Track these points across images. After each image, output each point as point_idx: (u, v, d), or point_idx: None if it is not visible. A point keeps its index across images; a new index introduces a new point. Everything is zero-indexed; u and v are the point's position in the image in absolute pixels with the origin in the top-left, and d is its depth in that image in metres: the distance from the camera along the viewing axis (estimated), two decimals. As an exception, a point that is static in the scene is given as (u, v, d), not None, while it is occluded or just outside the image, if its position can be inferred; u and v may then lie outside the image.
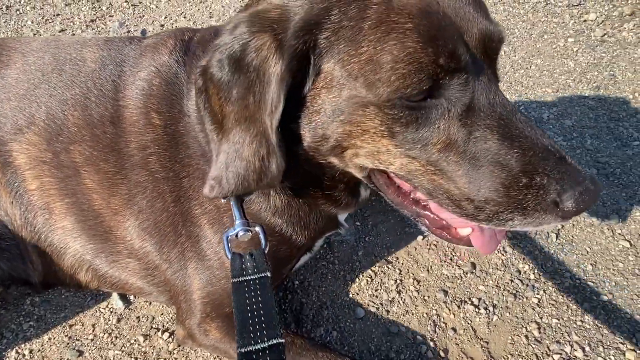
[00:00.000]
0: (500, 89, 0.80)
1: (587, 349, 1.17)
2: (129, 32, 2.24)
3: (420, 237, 1.45)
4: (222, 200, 0.93)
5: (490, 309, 1.26)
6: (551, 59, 2.14)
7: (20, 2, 2.35)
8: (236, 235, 0.87)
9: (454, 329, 1.22)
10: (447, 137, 0.75)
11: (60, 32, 2.21)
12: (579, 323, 1.22)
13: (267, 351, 0.71)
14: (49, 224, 1.14)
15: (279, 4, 0.77)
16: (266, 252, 0.86)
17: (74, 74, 1.14)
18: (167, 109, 1.05)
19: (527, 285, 1.31)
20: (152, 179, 1.04)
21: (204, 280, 1.05)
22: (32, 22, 2.25)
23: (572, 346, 1.17)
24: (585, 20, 2.39)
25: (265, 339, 0.72)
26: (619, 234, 1.45)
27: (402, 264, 1.39)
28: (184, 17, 2.36)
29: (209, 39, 1.07)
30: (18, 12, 2.30)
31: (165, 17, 2.35)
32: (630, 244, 1.42)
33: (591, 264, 1.37)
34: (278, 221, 1.04)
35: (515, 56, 2.17)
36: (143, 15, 2.34)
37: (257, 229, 0.88)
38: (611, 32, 2.31)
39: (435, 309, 1.26)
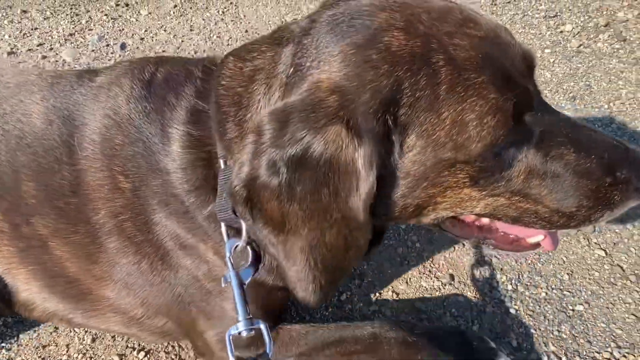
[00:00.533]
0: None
1: (563, 359, 1.17)
2: (107, 45, 2.23)
3: (399, 250, 1.46)
4: (222, 284, 0.84)
5: (468, 320, 1.26)
6: (528, 70, 2.17)
7: (-4, 16, 2.33)
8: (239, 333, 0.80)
9: (432, 342, 1.22)
10: (527, 166, 0.77)
11: (38, 45, 2.19)
12: (555, 333, 1.23)
13: None
14: (14, 286, 1.08)
15: (329, 87, 0.70)
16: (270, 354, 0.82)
17: (20, 136, 1.01)
18: (135, 170, 0.94)
19: (505, 296, 1.32)
20: (133, 243, 0.97)
21: (215, 330, 1.01)
22: (9, 37, 2.23)
23: (549, 356, 1.18)
24: (561, 32, 2.44)
25: None
26: (595, 243, 1.47)
27: (381, 276, 1.39)
28: (164, 30, 2.36)
29: (180, 80, 0.96)
30: (-6, 27, 2.28)
31: (145, 31, 2.34)
32: (606, 253, 1.43)
33: (567, 274, 1.38)
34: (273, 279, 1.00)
35: (493, 67, 2.20)
36: (123, 29, 2.33)
37: (262, 326, 0.80)
38: (587, 43, 2.35)
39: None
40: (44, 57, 2.14)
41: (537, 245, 0.95)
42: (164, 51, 2.23)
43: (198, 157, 0.90)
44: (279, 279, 0.98)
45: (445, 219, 0.87)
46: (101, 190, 0.96)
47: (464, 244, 1.48)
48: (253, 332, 0.80)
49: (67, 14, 2.40)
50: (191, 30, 2.39)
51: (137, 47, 2.24)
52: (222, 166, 0.85)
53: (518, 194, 0.78)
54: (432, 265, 1.42)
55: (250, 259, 0.85)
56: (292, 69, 0.77)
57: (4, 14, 2.35)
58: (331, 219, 0.71)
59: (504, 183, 0.77)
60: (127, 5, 2.49)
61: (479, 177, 0.75)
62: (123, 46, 2.22)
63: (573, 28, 2.44)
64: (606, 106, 1.98)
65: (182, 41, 2.31)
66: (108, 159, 0.95)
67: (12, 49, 2.16)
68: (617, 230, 1.50)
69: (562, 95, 2.04)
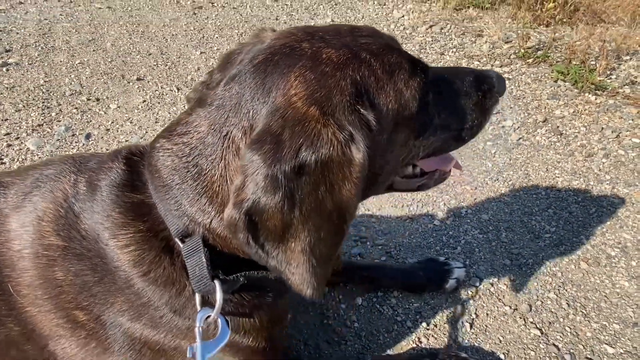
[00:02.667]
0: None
1: None
2: (73, 135, 2.33)
3: (338, 329, 1.44)
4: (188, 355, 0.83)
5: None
6: (471, 160, 2.31)
7: (-30, 108, 2.45)
8: None
9: None
10: (437, 107, 1.00)
11: (5, 135, 2.28)
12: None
13: None
14: None
15: (305, 102, 0.79)
16: None
17: None
18: (92, 299, 0.90)
19: (439, 377, 1.29)
20: None
21: None
22: (-22, 126, 2.33)
23: None
24: (503, 127, 2.63)
25: None
26: (531, 322, 1.48)
27: (317, 357, 1.36)
28: (130, 122, 2.48)
29: (104, 186, 0.91)
30: (-34, 117, 2.39)
31: (112, 122, 2.47)
32: (542, 332, 1.44)
33: (503, 353, 1.37)
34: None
35: (438, 157, 2.34)
36: (90, 121, 2.46)
37: None
38: (526, 137, 2.53)
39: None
40: (8, 146, 2.22)
41: (453, 169, 1.25)
42: (127, 141, 2.34)
43: (156, 254, 0.88)
44: (261, 339, 0.99)
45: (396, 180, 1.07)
46: (59, 330, 0.93)
47: (402, 324, 1.47)
48: None
49: (38, 107, 2.53)
50: (156, 122, 2.52)
51: (102, 137, 2.35)
52: (180, 244, 0.86)
53: (440, 128, 1.01)
54: (370, 346, 1.41)
55: (220, 330, 0.87)
56: (239, 112, 0.84)
57: (-23, 107, 2.47)
58: (326, 212, 0.78)
59: (431, 126, 0.99)
60: (97, 100, 2.65)
61: (420, 128, 0.96)
62: (88, 136, 2.33)
63: (513, 123, 2.64)
64: (544, 193, 2.10)
65: (147, 132, 2.43)
66: (55, 299, 0.91)
67: (-22, 137, 2.25)
68: (552, 310, 1.52)
69: (502, 183, 2.16)
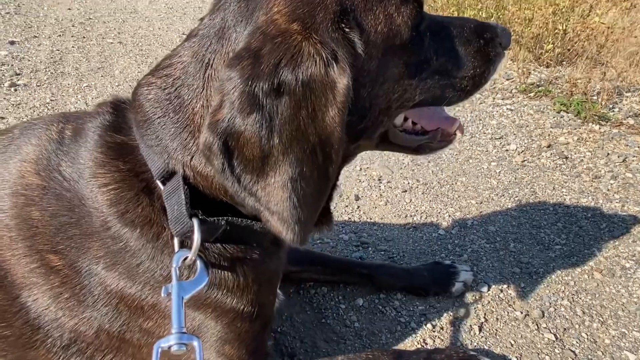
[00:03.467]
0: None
1: None
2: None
3: (337, 328, 1.34)
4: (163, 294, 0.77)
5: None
6: (475, 178, 2.27)
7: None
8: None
9: None
10: (435, 47, 0.94)
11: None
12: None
13: None
14: None
15: (287, 19, 0.75)
16: None
17: None
18: (67, 242, 0.85)
19: (446, 376, 1.18)
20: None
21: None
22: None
23: None
24: (507, 150, 2.60)
25: None
26: (544, 327, 1.38)
27: (313, 355, 1.26)
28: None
29: (89, 128, 0.89)
30: (-31, 127, 2.39)
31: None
32: (556, 337, 1.34)
33: (516, 357, 1.27)
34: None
35: (442, 174, 2.29)
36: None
37: (195, 343, 0.73)
38: (531, 159, 2.50)
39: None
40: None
41: (456, 132, 1.13)
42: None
43: (134, 193, 0.84)
44: (247, 302, 0.90)
45: (392, 130, 1.00)
46: (31, 276, 0.86)
47: (406, 325, 1.37)
48: (184, 347, 0.71)
49: None
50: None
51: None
52: (161, 186, 0.81)
53: (437, 72, 0.95)
54: (371, 345, 1.30)
55: (198, 272, 0.80)
56: (222, 39, 0.80)
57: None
58: (309, 144, 0.72)
59: (427, 67, 0.92)
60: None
61: (415, 66, 0.89)
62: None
63: (517, 147, 2.62)
64: (551, 208, 2.03)
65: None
66: (30, 240, 0.85)
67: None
68: (567, 317, 1.42)
69: (508, 199, 2.10)
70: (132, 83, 3.17)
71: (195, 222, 0.76)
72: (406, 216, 1.94)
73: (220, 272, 0.86)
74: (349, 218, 1.92)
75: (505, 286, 1.56)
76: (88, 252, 0.84)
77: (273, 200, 0.72)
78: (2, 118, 2.52)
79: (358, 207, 2.01)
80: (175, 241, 0.81)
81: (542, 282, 1.57)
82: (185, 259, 0.79)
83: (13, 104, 2.70)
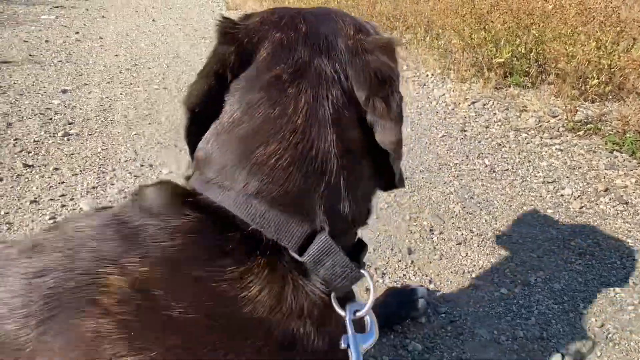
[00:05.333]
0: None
1: None
2: (125, 197, 2.36)
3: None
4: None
5: None
6: (532, 227, 2.18)
7: (31, 172, 2.54)
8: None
9: None
10: None
11: (60, 196, 2.33)
12: None
13: None
14: None
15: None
16: None
17: None
18: None
19: None
20: None
21: None
22: (36, 188, 2.40)
23: None
24: (562, 195, 2.51)
25: None
26: (631, 406, 1.27)
27: None
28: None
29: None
30: (26, 180, 2.47)
31: (163, 187, 2.50)
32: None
33: None
34: None
35: (496, 224, 2.21)
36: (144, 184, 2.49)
37: None
38: (589, 205, 2.39)
39: None
40: (63, 206, 2.26)
41: None
42: (177, 204, 2.35)
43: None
44: None
45: None
46: None
47: None
48: None
49: (94, 171, 2.60)
50: (206, 187, 2.54)
51: (153, 200, 2.37)
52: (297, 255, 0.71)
53: None
54: None
55: (369, 325, 0.75)
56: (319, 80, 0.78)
57: (37, 170, 2.56)
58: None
59: None
60: (150, 166, 2.71)
61: None
62: (139, 198, 2.35)
63: (573, 192, 2.51)
64: (619, 262, 1.92)
65: (196, 196, 2.44)
66: None
67: (35, 198, 2.30)
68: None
69: (570, 251, 2.00)
70: (177, 130, 3.24)
71: (365, 272, 0.74)
72: (464, 272, 1.87)
73: None
74: (404, 275, 1.86)
75: (584, 350, 1.45)
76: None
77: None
78: (57, 169, 2.60)
79: (412, 262, 1.95)
80: (333, 297, 0.73)
81: (620, 349, 1.46)
82: (356, 311, 0.73)
83: (67, 154, 2.79)
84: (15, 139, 2.93)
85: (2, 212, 2.17)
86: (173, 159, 2.81)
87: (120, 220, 0.70)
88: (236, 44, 0.77)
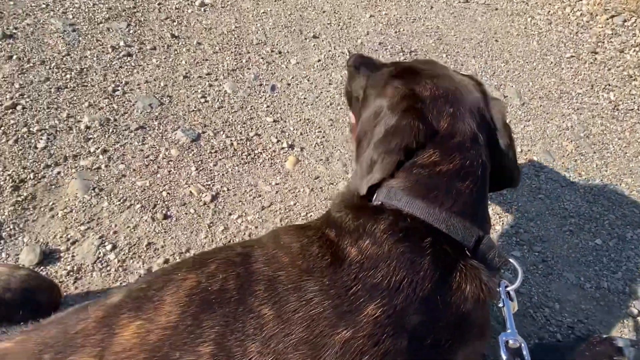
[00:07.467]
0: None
1: None
2: (260, 85, 2.61)
3: None
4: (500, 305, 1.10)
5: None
6: (642, 184, 2.23)
7: (178, 44, 2.82)
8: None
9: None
10: None
11: (207, 74, 2.62)
12: None
13: None
14: None
15: None
16: None
17: None
18: None
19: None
20: None
21: None
22: (185, 62, 2.69)
23: None
24: (683, 150, 2.46)
25: None
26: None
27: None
28: (307, 80, 2.71)
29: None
30: (175, 52, 2.76)
31: (292, 78, 2.71)
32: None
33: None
34: None
35: (606, 171, 2.28)
36: (274, 73, 2.72)
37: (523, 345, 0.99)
38: None
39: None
40: (210, 85, 2.56)
41: None
42: (305, 98, 2.57)
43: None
44: None
45: None
46: None
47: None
48: (518, 343, 1.00)
49: (231, 52, 2.84)
50: (329, 84, 2.72)
51: (284, 91, 2.60)
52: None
53: None
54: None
55: (514, 298, 1.08)
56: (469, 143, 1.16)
57: (184, 43, 2.83)
58: None
59: None
60: (280, 52, 2.89)
61: None
62: (273, 88, 2.59)
63: (696, 149, 2.45)
64: None
65: (321, 92, 2.64)
66: None
67: (186, 73, 2.61)
68: None
69: (674, 214, 2.07)
70: (301, 13, 3.31)
71: (513, 260, 1.09)
72: (565, 217, 2.03)
73: None
74: (506, 210, 2.06)
75: (654, 314, 1.66)
76: None
77: None
78: (199, 44, 2.85)
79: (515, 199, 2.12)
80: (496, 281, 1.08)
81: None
82: (507, 286, 1.07)
83: (205, 28, 3.02)
84: (159, 3, 3.17)
85: (162, 84, 2.51)
86: (299, 47, 2.96)
87: None
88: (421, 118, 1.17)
